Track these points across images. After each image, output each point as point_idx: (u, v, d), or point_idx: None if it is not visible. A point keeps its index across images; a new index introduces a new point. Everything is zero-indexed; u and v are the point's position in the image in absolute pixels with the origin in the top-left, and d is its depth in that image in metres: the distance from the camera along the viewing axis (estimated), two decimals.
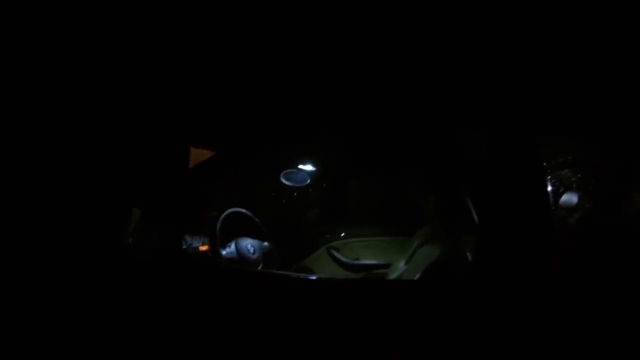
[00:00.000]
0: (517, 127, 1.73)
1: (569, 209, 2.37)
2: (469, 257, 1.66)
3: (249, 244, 2.11)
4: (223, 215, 2.06)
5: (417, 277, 1.74)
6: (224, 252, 1.99)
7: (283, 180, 2.39)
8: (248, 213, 2.20)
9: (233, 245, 2.07)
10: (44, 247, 1.65)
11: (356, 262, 2.65)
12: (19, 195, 1.71)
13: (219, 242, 1.98)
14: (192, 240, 2.07)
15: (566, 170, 2.48)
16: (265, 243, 2.24)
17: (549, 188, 2.39)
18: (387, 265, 2.38)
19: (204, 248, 2.07)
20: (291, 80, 2.26)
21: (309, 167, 2.44)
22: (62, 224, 1.71)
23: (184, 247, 2.04)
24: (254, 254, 2.10)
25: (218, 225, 2.00)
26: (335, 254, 2.66)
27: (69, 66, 1.91)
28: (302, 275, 2.09)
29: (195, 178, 2.21)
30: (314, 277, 2.10)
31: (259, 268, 2.12)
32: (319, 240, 2.76)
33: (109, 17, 1.95)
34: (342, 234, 2.81)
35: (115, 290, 1.73)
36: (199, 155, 2.47)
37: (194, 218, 2.14)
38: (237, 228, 2.18)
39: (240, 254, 2.05)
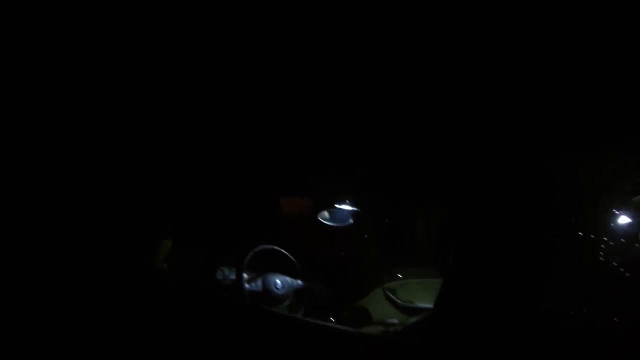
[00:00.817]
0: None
1: None
2: None
3: (277, 280, 2.20)
4: (254, 250, 2.20)
5: None
6: (248, 286, 2.11)
7: (321, 220, 2.46)
8: (281, 250, 2.30)
9: (260, 280, 2.19)
10: (76, 267, 1.94)
11: (410, 304, 2.54)
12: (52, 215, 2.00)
13: (243, 275, 2.12)
14: (229, 272, 2.25)
15: None
16: (299, 281, 2.31)
17: (629, 219, 2.06)
18: None
19: None
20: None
21: (347, 207, 2.47)
22: (96, 246, 2.00)
23: (220, 277, 2.23)
24: (280, 289, 2.19)
25: (246, 259, 2.14)
26: (391, 295, 2.58)
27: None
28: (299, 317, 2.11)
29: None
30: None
31: (285, 304, 2.20)
32: (375, 280, 2.71)
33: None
34: (399, 275, 2.72)
35: (143, 311, 1.98)
36: None
37: (233, 251, 2.31)
38: (273, 265, 2.30)
39: (265, 288, 2.16)
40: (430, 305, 2.45)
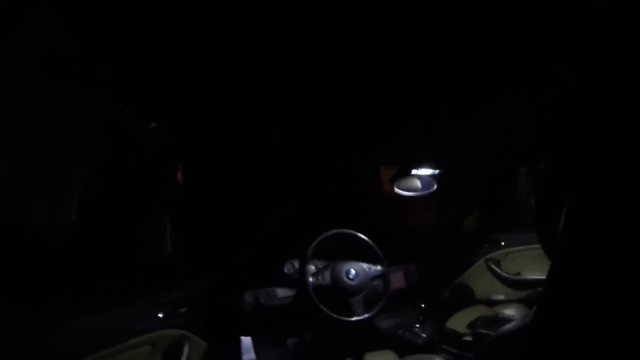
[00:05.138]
0: None
1: None
2: None
3: (350, 269, 1.91)
4: (322, 237, 1.91)
5: None
6: (313, 279, 1.86)
7: (400, 192, 2.10)
8: (356, 234, 1.99)
9: (329, 271, 1.92)
10: None
11: (518, 277, 2.17)
12: None
13: (309, 267, 1.87)
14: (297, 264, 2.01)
15: None
16: (378, 267, 1.99)
17: None
18: None
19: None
20: None
21: (427, 171, 2.08)
22: None
23: (288, 271, 1.99)
24: (353, 280, 1.90)
25: (311, 248, 1.87)
26: (495, 267, 2.21)
27: None
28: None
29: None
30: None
31: (360, 296, 1.92)
32: (476, 252, 2.32)
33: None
34: (502, 243, 2.30)
35: None
36: None
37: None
38: (347, 252, 2.01)
39: (335, 280, 1.89)
40: (541, 277, 2.06)
